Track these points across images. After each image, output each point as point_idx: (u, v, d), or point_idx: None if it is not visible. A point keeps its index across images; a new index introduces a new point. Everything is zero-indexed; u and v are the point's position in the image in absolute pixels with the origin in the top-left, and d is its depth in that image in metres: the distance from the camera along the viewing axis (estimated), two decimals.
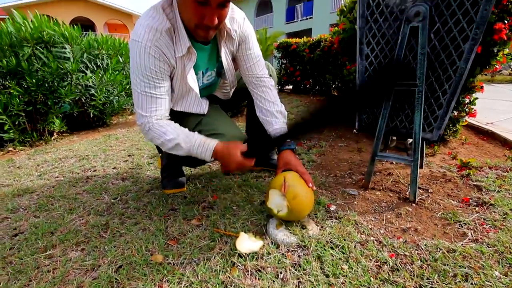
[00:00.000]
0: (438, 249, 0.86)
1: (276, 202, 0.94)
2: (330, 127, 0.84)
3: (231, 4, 0.95)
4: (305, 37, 3.93)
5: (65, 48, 2.49)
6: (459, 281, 0.74)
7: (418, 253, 0.85)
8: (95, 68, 2.92)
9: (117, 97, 3.19)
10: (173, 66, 0.95)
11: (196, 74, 1.04)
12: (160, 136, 0.94)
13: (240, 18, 1.02)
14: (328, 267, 0.79)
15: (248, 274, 0.79)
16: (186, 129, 0.98)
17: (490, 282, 0.73)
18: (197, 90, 1.03)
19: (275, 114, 1.13)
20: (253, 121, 1.41)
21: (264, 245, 0.89)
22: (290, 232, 0.94)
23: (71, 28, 2.62)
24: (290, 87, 4.41)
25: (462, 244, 0.88)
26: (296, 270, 0.80)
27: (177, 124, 0.98)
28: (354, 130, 2.17)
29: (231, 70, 1.12)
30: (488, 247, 0.87)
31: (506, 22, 1.38)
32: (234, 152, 0.91)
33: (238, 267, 0.81)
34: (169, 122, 0.97)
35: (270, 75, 1.19)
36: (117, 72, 3.04)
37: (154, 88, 0.92)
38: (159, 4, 0.90)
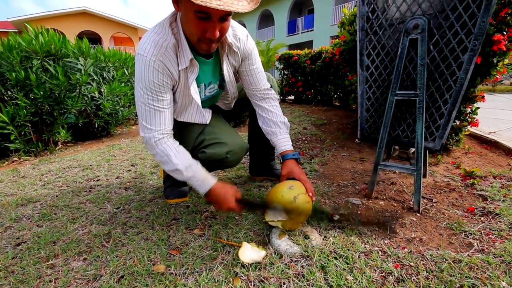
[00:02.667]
0: (444, 260, 0.85)
1: (274, 213, 0.95)
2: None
3: (233, 23, 0.99)
4: (306, 48, 4.00)
5: (79, 61, 2.57)
6: None
7: (423, 264, 0.84)
8: (101, 80, 2.98)
9: (123, 108, 3.24)
10: (175, 80, 0.98)
11: (198, 86, 1.06)
12: (162, 157, 0.98)
13: (243, 35, 1.05)
14: (332, 277, 0.78)
15: (251, 285, 0.78)
16: (189, 156, 1.00)
17: None
18: (199, 101, 1.05)
19: (279, 124, 1.15)
20: (256, 131, 1.43)
21: (267, 255, 0.88)
22: (293, 242, 0.93)
23: (86, 42, 2.72)
24: (292, 97, 4.45)
25: (468, 254, 0.87)
26: (299, 281, 0.78)
27: (182, 147, 1.01)
28: (356, 140, 2.17)
29: (233, 82, 1.15)
30: (495, 257, 0.85)
31: (505, 33, 1.40)
32: (229, 196, 0.95)
33: (241, 277, 0.80)
34: (174, 144, 1.00)
35: (271, 86, 1.22)
36: (123, 84, 3.10)
37: (157, 101, 0.95)
38: (165, 20, 0.93)
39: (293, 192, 0.95)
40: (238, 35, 1.03)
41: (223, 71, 1.09)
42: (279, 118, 1.16)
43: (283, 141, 1.13)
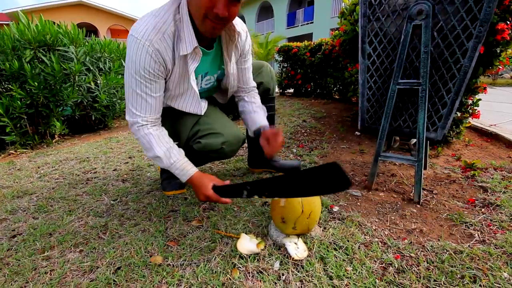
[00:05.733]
0: (445, 251, 0.84)
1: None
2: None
3: (236, 18, 0.96)
4: (306, 41, 3.94)
5: (69, 49, 2.51)
6: (467, 283, 0.71)
7: (424, 255, 0.83)
8: (98, 71, 2.93)
9: (120, 100, 3.19)
10: (168, 69, 0.93)
11: (196, 77, 1.03)
12: (144, 144, 0.97)
13: (243, 32, 1.05)
14: (332, 268, 0.77)
15: (249, 276, 0.77)
16: (172, 144, 0.99)
17: (499, 284, 0.71)
18: (196, 90, 1.02)
19: (255, 109, 1.18)
20: None
21: (265, 247, 0.87)
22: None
23: (77, 29, 2.65)
24: (292, 90, 4.41)
25: (469, 245, 0.86)
26: (298, 271, 0.77)
27: (166, 135, 0.99)
28: (356, 132, 2.15)
29: (235, 75, 1.12)
30: (496, 248, 0.84)
31: (508, 22, 1.37)
32: (206, 185, 0.93)
33: (239, 268, 0.79)
34: (158, 132, 0.97)
35: (271, 81, 1.29)
36: (120, 75, 3.05)
37: (146, 88, 0.91)
38: (167, 4, 0.88)
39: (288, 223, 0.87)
40: (239, 31, 1.01)
41: (224, 63, 1.06)
42: (257, 105, 1.20)
43: (259, 119, 1.15)
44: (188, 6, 0.86)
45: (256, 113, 1.17)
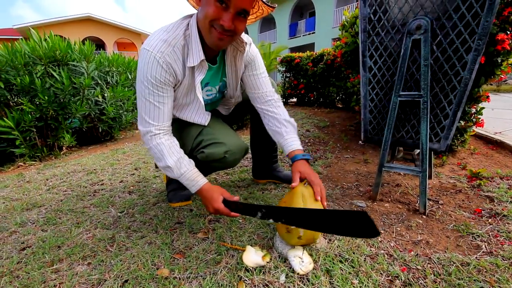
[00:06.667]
0: (452, 263, 0.83)
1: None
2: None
3: None
4: (308, 51, 4.00)
5: (80, 64, 2.60)
6: None
7: (431, 267, 0.82)
8: (105, 85, 3.01)
9: (126, 112, 3.26)
10: (178, 80, 0.98)
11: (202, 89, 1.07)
12: (155, 153, 0.99)
13: (247, 41, 1.07)
14: (338, 281, 0.77)
15: None
16: (183, 155, 1.00)
17: None
18: (202, 100, 1.06)
19: (284, 123, 1.11)
20: (258, 134, 1.43)
21: (271, 259, 0.87)
22: (298, 246, 0.92)
23: (89, 45, 2.74)
24: (295, 100, 4.45)
25: (476, 257, 0.85)
26: (304, 284, 0.78)
27: (176, 146, 1.01)
28: (360, 142, 2.16)
29: (237, 86, 1.15)
30: (504, 260, 0.84)
31: (508, 32, 1.39)
32: (216, 197, 0.94)
33: (245, 281, 0.80)
34: (169, 142, 1.00)
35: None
36: (126, 88, 3.13)
37: (158, 97, 0.96)
38: (178, 21, 0.95)
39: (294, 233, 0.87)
40: (247, 41, 1.05)
41: (226, 75, 1.09)
42: (284, 117, 1.13)
43: (290, 141, 1.07)
44: (197, 23, 0.91)
45: (282, 136, 1.09)
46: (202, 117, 1.12)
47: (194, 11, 0.97)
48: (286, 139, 1.08)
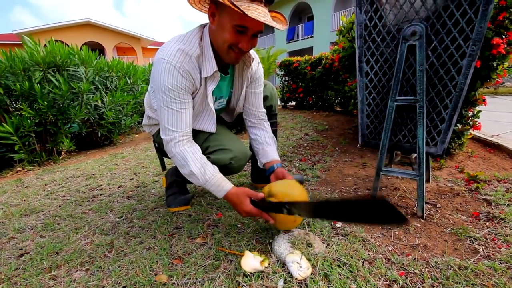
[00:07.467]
0: (449, 267, 0.83)
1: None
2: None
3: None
4: (306, 55, 4.03)
5: (79, 69, 2.61)
6: None
7: (428, 271, 0.83)
8: (105, 90, 3.02)
9: (125, 117, 3.27)
10: (196, 87, 1.02)
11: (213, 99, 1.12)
12: (179, 160, 1.01)
13: (255, 61, 1.15)
14: (336, 286, 0.77)
15: None
16: (206, 161, 1.02)
17: None
18: (213, 109, 1.10)
19: (267, 141, 1.24)
20: None
21: (269, 264, 0.88)
22: (296, 250, 0.92)
23: (88, 51, 2.77)
24: (293, 103, 4.47)
25: (473, 261, 0.86)
26: None
27: (199, 152, 1.03)
28: (358, 145, 2.17)
29: (242, 97, 1.22)
30: (501, 264, 0.84)
31: (503, 37, 1.41)
32: (243, 200, 0.96)
33: (243, 287, 0.80)
34: (192, 149, 1.02)
35: (270, 96, 1.35)
36: (125, 93, 3.14)
37: (180, 104, 0.98)
38: (192, 32, 0.99)
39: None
40: (255, 57, 1.12)
41: (233, 86, 1.16)
42: (269, 135, 1.26)
43: (271, 152, 1.20)
44: (210, 37, 0.97)
45: (269, 146, 1.23)
46: (212, 125, 1.16)
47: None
48: (267, 150, 1.21)
